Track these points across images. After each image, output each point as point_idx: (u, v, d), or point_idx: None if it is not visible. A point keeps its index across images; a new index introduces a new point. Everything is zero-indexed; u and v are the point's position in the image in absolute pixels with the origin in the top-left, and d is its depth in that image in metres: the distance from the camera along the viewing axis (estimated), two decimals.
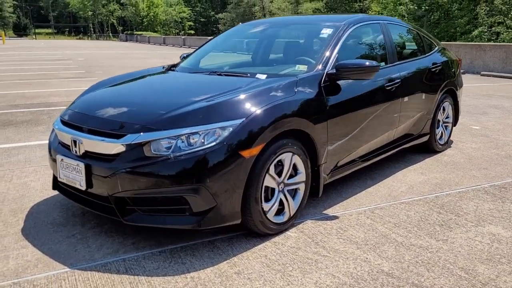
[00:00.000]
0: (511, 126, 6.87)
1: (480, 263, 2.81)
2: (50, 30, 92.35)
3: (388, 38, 4.40)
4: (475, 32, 26.02)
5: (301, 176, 3.30)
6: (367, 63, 3.44)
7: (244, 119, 2.87)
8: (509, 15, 26.54)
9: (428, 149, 5.18)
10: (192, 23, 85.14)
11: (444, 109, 5.22)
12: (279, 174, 3.13)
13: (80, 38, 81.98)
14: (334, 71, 3.50)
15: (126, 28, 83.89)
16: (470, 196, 3.94)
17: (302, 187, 3.32)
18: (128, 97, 3.49)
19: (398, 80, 4.24)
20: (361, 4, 51.57)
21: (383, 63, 4.22)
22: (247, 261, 2.83)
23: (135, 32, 69.14)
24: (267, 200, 3.08)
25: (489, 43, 18.39)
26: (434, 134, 5.07)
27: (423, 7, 29.69)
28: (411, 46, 4.96)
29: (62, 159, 3.10)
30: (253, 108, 2.95)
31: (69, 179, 3.06)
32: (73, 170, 3.01)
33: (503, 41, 24.27)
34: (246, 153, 2.83)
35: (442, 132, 5.26)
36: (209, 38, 4.56)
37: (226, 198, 2.81)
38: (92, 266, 2.77)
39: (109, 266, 2.77)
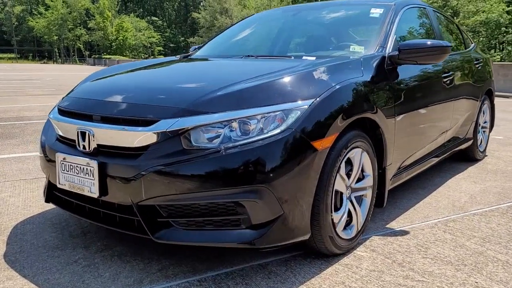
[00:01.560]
0: None
1: None
2: (13, 55, 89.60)
3: (435, 24, 3.84)
4: None
5: (369, 180, 2.61)
6: (442, 43, 2.82)
7: (314, 100, 2.18)
8: (474, 41, 27.02)
9: (468, 156, 4.59)
10: (161, 48, 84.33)
11: (484, 113, 4.67)
12: (348, 176, 2.44)
13: (45, 63, 79.61)
14: (396, 53, 2.87)
15: (93, 52, 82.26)
16: None
17: (369, 193, 2.64)
18: (151, 80, 2.74)
19: (451, 73, 3.66)
20: None
21: None
22: None
23: (103, 56, 67.76)
24: (336, 209, 2.37)
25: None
26: (476, 140, 4.50)
27: None
28: (454, 38, 4.41)
29: (64, 158, 2.31)
30: (321, 88, 2.27)
31: (73, 184, 2.27)
32: (80, 172, 2.23)
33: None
34: (318, 145, 2.13)
35: (481, 138, 4.70)
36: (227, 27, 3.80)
37: (295, 204, 2.09)
38: None
39: None
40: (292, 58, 2.94)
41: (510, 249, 2.57)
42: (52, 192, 2.55)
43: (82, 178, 2.22)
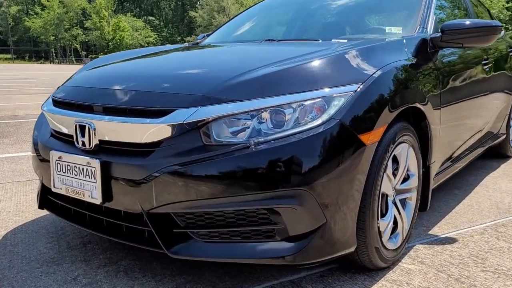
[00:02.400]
0: None
1: None
2: (9, 55, 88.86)
3: (470, 6, 3.48)
4: None
5: (414, 180, 2.25)
6: (492, 22, 2.46)
7: (360, 84, 1.82)
8: None
9: (498, 153, 4.23)
10: None
11: None
12: (393, 175, 2.08)
13: (41, 63, 78.93)
14: (439, 34, 2.50)
15: (90, 52, 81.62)
16: None
17: (414, 196, 2.27)
18: (161, 66, 2.38)
19: (490, 59, 3.30)
20: None
21: None
22: None
23: (100, 56, 67.19)
24: (382, 215, 2.01)
25: None
26: (508, 134, 4.14)
27: None
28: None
29: (59, 157, 1.94)
30: (368, 70, 1.91)
31: (71, 188, 1.90)
32: (79, 174, 1.86)
33: None
34: (366, 139, 1.77)
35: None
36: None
37: (339, 211, 1.73)
38: None
39: None
40: (320, 41, 2.57)
41: None
42: (46, 197, 2.18)
43: (81, 180, 1.85)
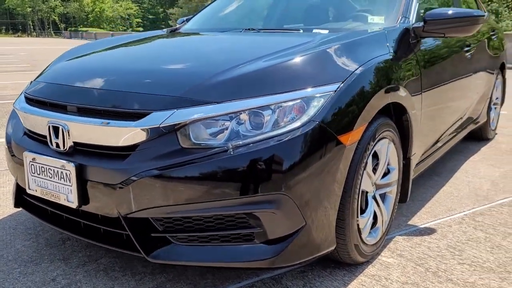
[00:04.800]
0: None
1: None
2: None
3: None
4: None
5: (394, 174, 2.26)
6: (474, 12, 2.44)
7: (340, 83, 1.79)
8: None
9: (479, 135, 4.28)
10: (139, 20, 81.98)
11: (496, 88, 4.33)
12: (373, 171, 2.08)
13: (19, 36, 76.71)
14: (421, 24, 2.47)
15: (69, 25, 79.58)
16: None
17: (394, 189, 2.29)
18: (137, 60, 2.31)
19: (472, 45, 3.28)
20: None
21: None
22: None
23: (80, 29, 65.53)
24: (361, 211, 2.02)
25: None
26: (489, 118, 4.17)
27: None
28: (469, 5, 4.02)
29: (33, 159, 1.89)
30: (348, 68, 1.88)
31: (46, 190, 1.86)
32: (54, 176, 1.82)
33: None
34: (346, 139, 1.76)
35: (493, 116, 4.38)
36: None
37: (319, 212, 1.73)
38: None
39: None
40: (301, 31, 2.53)
41: None
42: (21, 197, 2.13)
43: (56, 183, 1.81)
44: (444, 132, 3.01)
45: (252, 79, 1.76)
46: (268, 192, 1.61)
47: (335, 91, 1.76)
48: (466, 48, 3.16)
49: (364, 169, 1.93)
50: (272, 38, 2.53)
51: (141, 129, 1.65)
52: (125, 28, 76.04)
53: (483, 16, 2.48)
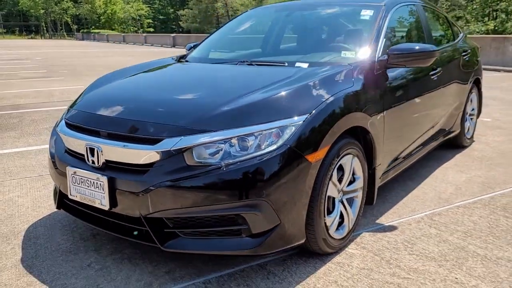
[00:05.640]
0: None
1: None
2: None
3: (424, 22, 3.96)
4: None
5: (359, 182, 2.80)
6: (429, 47, 2.96)
7: (307, 115, 2.34)
8: (468, 9, 26.98)
9: (456, 144, 4.79)
10: (150, 21, 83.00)
11: (471, 101, 4.84)
12: (339, 181, 2.63)
13: (32, 38, 78.10)
14: (385, 57, 3.02)
15: (82, 26, 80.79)
16: None
17: (359, 194, 2.83)
18: (152, 91, 2.88)
19: (439, 69, 3.81)
20: None
21: None
22: None
23: (92, 30, 66.60)
24: (329, 212, 2.57)
25: None
26: (463, 128, 4.69)
27: None
28: (442, 31, 4.55)
29: (75, 172, 2.47)
30: (314, 102, 2.43)
31: (84, 196, 2.44)
32: (91, 186, 2.39)
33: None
34: (311, 158, 2.30)
35: (469, 126, 4.88)
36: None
37: (290, 214, 2.28)
38: None
39: None
40: (286, 64, 3.07)
41: (489, 243, 2.79)
42: (62, 200, 2.71)
43: (92, 191, 2.39)
44: (412, 143, 3.53)
45: (241, 112, 2.32)
46: (252, 198, 2.16)
47: (303, 121, 2.31)
48: (433, 72, 3.68)
49: (330, 179, 2.48)
50: (261, 71, 3.07)
51: (156, 151, 2.22)
52: (136, 29, 76.97)
53: (437, 50, 3.01)
